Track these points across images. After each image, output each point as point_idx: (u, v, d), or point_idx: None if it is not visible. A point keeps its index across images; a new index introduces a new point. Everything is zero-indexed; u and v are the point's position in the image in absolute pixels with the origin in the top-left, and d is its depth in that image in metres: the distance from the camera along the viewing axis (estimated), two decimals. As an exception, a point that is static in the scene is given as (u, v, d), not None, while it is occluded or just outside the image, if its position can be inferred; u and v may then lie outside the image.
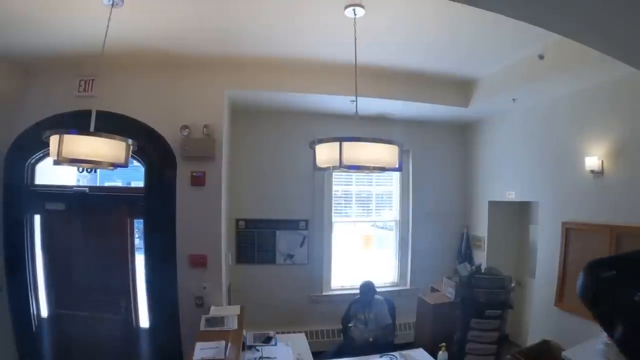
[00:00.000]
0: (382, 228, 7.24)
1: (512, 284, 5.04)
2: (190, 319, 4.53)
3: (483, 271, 5.11)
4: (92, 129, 3.17)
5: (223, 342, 3.65)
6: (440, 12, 3.69)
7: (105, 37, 3.32)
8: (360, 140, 2.97)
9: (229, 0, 3.51)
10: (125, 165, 3.18)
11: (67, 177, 5.16)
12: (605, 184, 4.47)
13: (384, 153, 3.06)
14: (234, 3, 3.54)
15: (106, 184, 6.21)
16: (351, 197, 6.94)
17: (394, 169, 3.19)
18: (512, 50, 4.55)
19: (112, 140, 3.04)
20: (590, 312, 1.93)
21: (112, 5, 3.30)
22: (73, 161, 2.95)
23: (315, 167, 3.18)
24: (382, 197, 7.11)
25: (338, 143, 2.92)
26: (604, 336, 3.58)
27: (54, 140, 2.89)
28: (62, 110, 4.59)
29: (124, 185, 6.43)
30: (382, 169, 3.13)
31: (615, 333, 1.82)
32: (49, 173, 4.90)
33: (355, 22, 3.49)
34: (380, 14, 3.65)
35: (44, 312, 4.91)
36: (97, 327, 4.80)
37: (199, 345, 3.69)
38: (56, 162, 2.94)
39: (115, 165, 3.15)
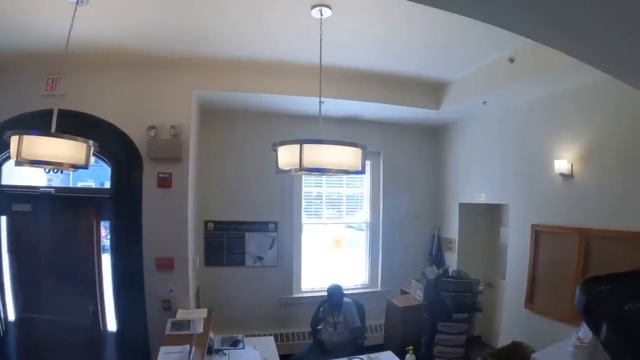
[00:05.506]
0: (358, 229, 7.21)
1: (480, 287, 5.05)
2: (157, 323, 4.47)
3: (451, 274, 5.13)
4: (53, 129, 3.11)
5: (187, 346, 3.61)
6: (410, 15, 3.68)
7: (69, 35, 3.27)
8: (322, 142, 2.95)
9: (195, 0, 3.48)
10: (85, 167, 3.12)
11: (38, 177, 5.07)
12: (575, 187, 4.53)
13: (347, 155, 3.03)
14: (200, 3, 3.51)
15: (79, 184, 6.13)
16: (322, 199, 6.92)
17: (358, 172, 3.17)
18: (483, 53, 4.60)
19: (73, 142, 2.98)
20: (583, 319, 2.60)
21: (77, 3, 3.26)
22: (33, 162, 2.90)
23: (277, 170, 3.15)
24: (353, 199, 7.09)
25: (299, 145, 2.89)
26: (573, 338, 3.61)
27: (14, 140, 2.83)
28: (30, 109, 4.47)
29: (97, 185, 6.34)
30: (345, 172, 3.11)
31: (601, 334, 2.35)
32: (18, 173, 4.78)
33: (321, 22, 3.51)
34: (348, 16, 3.66)
35: (11, 316, 4.80)
36: (65, 330, 4.70)
37: (163, 349, 3.67)
38: (17, 163, 2.87)
39: (75, 167, 3.09)
